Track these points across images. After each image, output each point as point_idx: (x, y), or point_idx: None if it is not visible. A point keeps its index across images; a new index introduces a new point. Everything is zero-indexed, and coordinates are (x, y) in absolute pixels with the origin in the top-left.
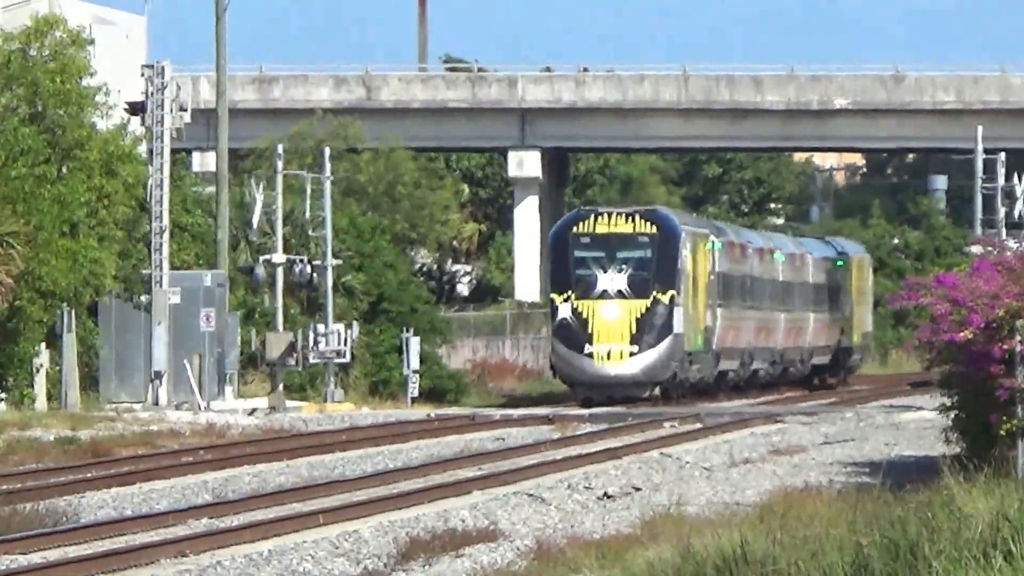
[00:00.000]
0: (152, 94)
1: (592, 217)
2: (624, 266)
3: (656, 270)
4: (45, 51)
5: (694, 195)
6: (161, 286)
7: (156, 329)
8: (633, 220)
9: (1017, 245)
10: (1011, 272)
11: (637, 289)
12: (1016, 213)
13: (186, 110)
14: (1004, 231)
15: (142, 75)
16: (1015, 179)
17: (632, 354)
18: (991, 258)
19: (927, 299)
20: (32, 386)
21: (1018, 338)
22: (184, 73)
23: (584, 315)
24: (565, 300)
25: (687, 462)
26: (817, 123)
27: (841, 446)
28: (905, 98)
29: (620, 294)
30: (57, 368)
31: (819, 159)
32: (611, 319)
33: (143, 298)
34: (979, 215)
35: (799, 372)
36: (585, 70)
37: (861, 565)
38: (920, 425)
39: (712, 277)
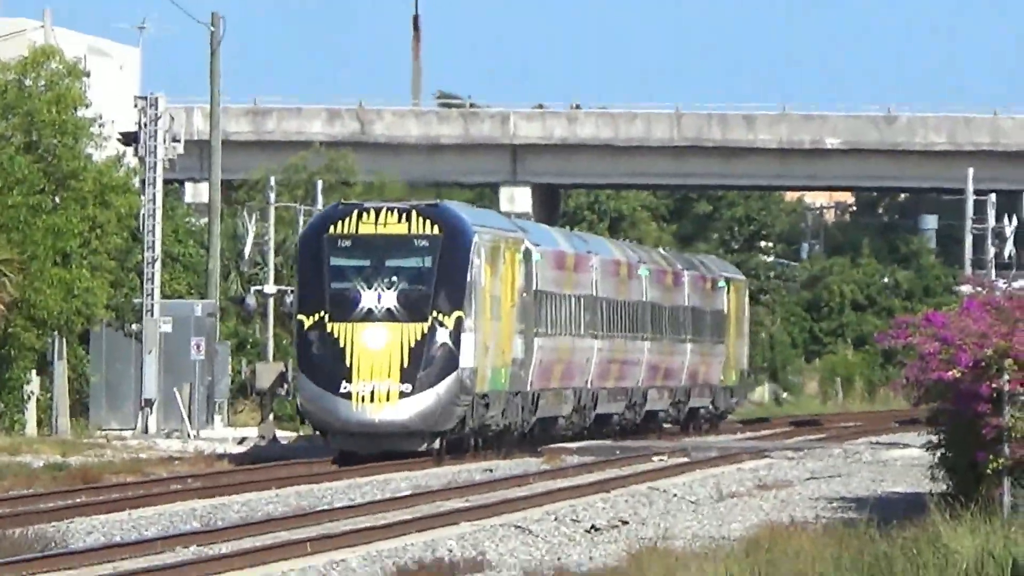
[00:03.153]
0: (146, 125)
1: (355, 213)
2: (396, 278)
3: (438, 284)
4: (41, 81)
5: (684, 232)
6: (152, 315)
7: (147, 357)
8: (409, 218)
9: (1006, 285)
10: (1000, 312)
11: (412, 309)
12: (1006, 254)
13: (179, 141)
14: (994, 271)
15: (136, 106)
16: (1005, 220)
17: (403, 394)
18: (980, 298)
19: (916, 338)
20: (23, 412)
21: (1006, 377)
22: (178, 104)
23: (341, 343)
24: (316, 323)
25: (674, 495)
26: (809, 162)
27: (827, 482)
28: (897, 139)
29: (389, 315)
30: (48, 395)
31: (810, 197)
32: (376, 348)
33: (134, 327)
34: (969, 255)
35: (671, 416)
36: (577, 107)
37: None
38: (907, 462)
39: (526, 295)
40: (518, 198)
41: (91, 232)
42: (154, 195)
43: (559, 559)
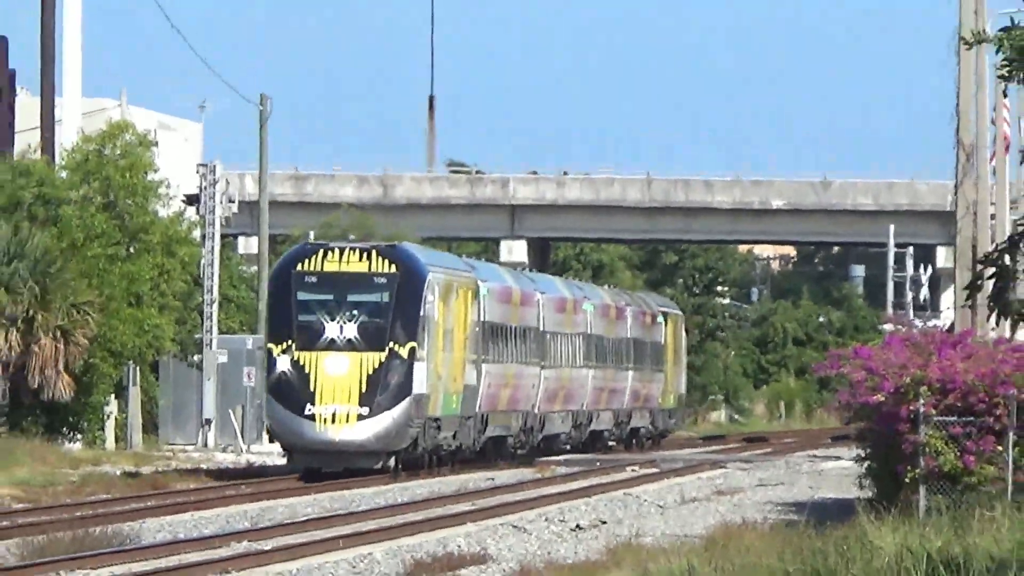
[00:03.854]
0: (205, 188)
1: (320, 252)
2: (356, 312)
3: (395, 317)
4: (117, 151)
5: (654, 279)
6: (211, 348)
7: (206, 384)
8: (369, 257)
9: (922, 324)
10: (916, 347)
11: (371, 339)
12: (921, 298)
13: (233, 202)
14: (911, 312)
15: (197, 172)
16: (921, 270)
17: (362, 417)
18: (900, 335)
19: (847, 368)
20: (103, 429)
21: (921, 401)
22: (232, 171)
23: (306, 369)
24: (284, 351)
25: (646, 500)
26: (757, 221)
27: (773, 488)
28: (831, 200)
29: (350, 345)
30: (124, 415)
31: (759, 250)
32: (338, 375)
33: (196, 357)
34: (891, 299)
35: (615, 435)
36: (565, 173)
37: None
38: (839, 472)
39: (476, 328)
40: (515, 251)
41: (159, 277)
42: (212, 247)
43: (549, 553)
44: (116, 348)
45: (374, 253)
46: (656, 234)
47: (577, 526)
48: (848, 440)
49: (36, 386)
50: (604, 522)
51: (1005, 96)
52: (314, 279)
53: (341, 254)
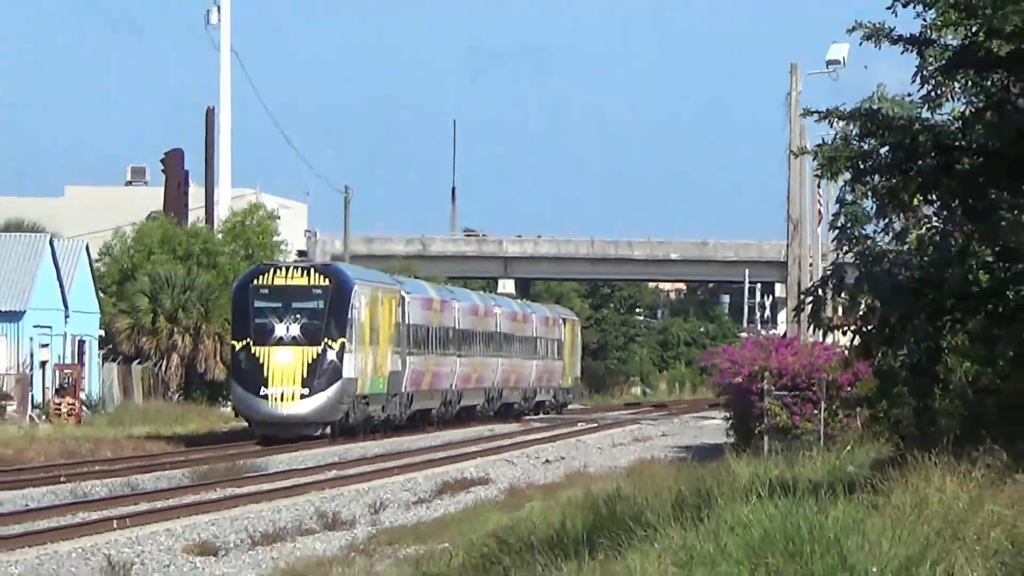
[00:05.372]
0: (310, 247)
1: (271, 271)
2: (299, 316)
3: (328, 319)
4: (254, 222)
5: (595, 303)
6: None
7: None
8: (308, 274)
9: (764, 333)
10: (762, 347)
11: (309, 337)
12: (765, 316)
13: (327, 255)
14: (759, 325)
15: (305, 236)
16: (765, 298)
17: (303, 396)
18: (751, 339)
19: (718, 360)
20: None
21: (765, 382)
22: (326, 235)
23: (261, 360)
24: (244, 347)
25: (590, 444)
26: (661, 268)
27: (671, 436)
28: (708, 254)
29: (294, 341)
30: None
31: (663, 286)
32: (284, 364)
33: None
34: (746, 316)
35: (524, 407)
36: (539, 236)
37: (681, 499)
38: (714, 427)
39: (401, 327)
40: (507, 286)
41: None
42: None
43: (529, 477)
44: None
45: (312, 270)
46: (598, 275)
47: (546, 460)
48: (719, 406)
49: (202, 371)
50: (563, 458)
51: (819, 187)
52: (267, 291)
53: (287, 271)
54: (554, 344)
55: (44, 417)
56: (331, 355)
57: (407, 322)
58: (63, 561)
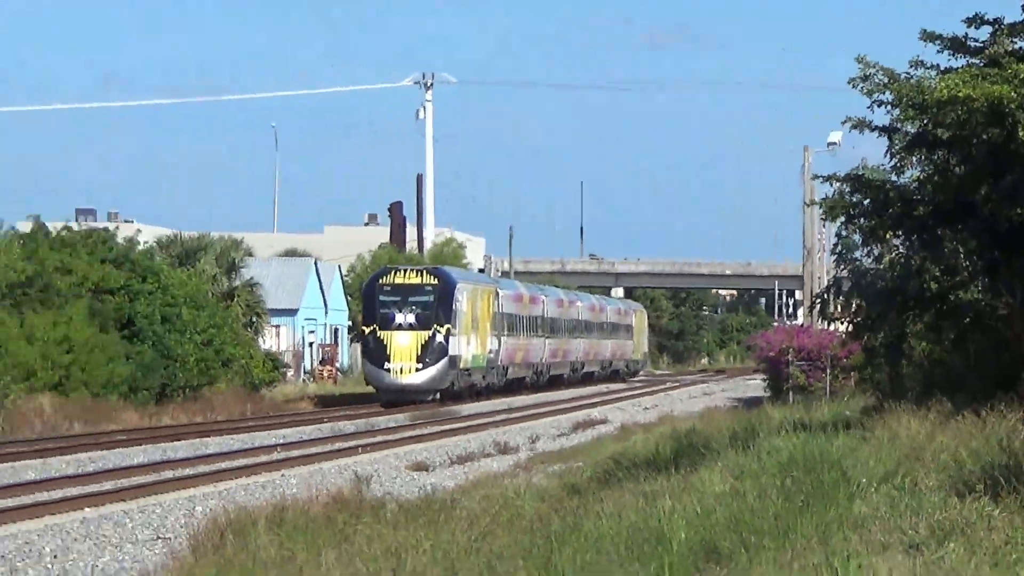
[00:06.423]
0: (487, 266)
1: (393, 272)
2: (414, 307)
3: (436, 310)
4: (449, 249)
5: (676, 303)
6: None
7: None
8: (421, 275)
9: (788, 324)
10: (787, 333)
11: (422, 323)
12: (789, 312)
13: (499, 272)
14: (786, 318)
15: (483, 259)
16: (789, 300)
17: (418, 370)
18: (780, 328)
19: (758, 341)
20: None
21: (790, 356)
22: (498, 258)
23: (384, 342)
24: (371, 331)
25: (674, 396)
26: (719, 280)
27: (728, 391)
28: (752, 271)
29: (411, 326)
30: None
31: (723, 292)
32: (403, 344)
33: None
34: (776, 313)
35: (602, 373)
36: (639, 258)
37: (734, 434)
38: (757, 385)
39: (497, 316)
40: (618, 293)
41: None
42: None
43: (634, 419)
44: None
45: (424, 272)
46: (677, 285)
47: (645, 408)
48: (759, 372)
49: None
50: (656, 406)
51: (824, 226)
52: (389, 288)
53: (404, 273)
54: (625, 328)
55: (312, 379)
56: (439, 338)
57: (501, 311)
58: (326, 475)
